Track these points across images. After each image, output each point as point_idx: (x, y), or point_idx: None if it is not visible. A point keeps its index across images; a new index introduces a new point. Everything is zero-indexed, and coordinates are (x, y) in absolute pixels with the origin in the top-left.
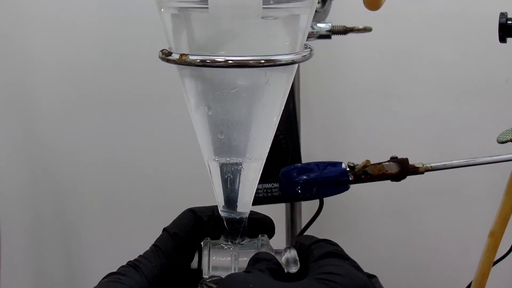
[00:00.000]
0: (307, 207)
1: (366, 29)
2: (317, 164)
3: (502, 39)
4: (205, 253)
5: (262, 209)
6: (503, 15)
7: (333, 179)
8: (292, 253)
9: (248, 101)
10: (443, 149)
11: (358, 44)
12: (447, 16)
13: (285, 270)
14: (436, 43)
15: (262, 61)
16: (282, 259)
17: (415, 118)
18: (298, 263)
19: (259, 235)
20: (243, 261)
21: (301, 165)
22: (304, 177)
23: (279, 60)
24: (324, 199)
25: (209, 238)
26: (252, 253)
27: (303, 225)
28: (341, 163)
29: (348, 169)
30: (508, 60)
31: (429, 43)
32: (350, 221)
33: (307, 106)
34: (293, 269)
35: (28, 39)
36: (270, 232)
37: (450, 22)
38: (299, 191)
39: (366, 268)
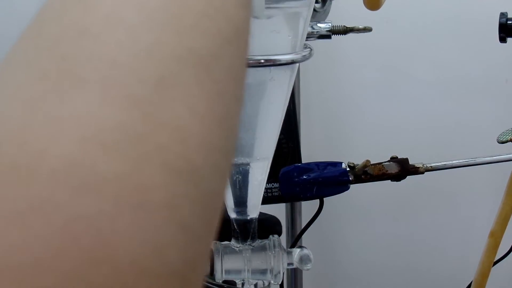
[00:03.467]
0: (307, 207)
1: (366, 29)
2: (317, 164)
3: (502, 39)
4: (217, 257)
5: (262, 209)
6: (503, 15)
7: (333, 179)
8: (305, 252)
9: (253, 98)
10: (443, 149)
11: (358, 44)
12: (447, 16)
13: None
14: (436, 43)
15: (262, 60)
16: (295, 257)
17: (415, 118)
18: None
19: (270, 236)
20: (256, 263)
21: (301, 165)
22: (304, 177)
23: (279, 60)
24: (324, 199)
25: (218, 242)
26: (264, 254)
27: (303, 225)
28: (341, 163)
29: (348, 169)
30: (508, 60)
31: (429, 43)
32: (350, 221)
33: (307, 106)
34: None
35: None
36: (277, 232)
37: (450, 22)
38: (299, 191)
39: (366, 268)
